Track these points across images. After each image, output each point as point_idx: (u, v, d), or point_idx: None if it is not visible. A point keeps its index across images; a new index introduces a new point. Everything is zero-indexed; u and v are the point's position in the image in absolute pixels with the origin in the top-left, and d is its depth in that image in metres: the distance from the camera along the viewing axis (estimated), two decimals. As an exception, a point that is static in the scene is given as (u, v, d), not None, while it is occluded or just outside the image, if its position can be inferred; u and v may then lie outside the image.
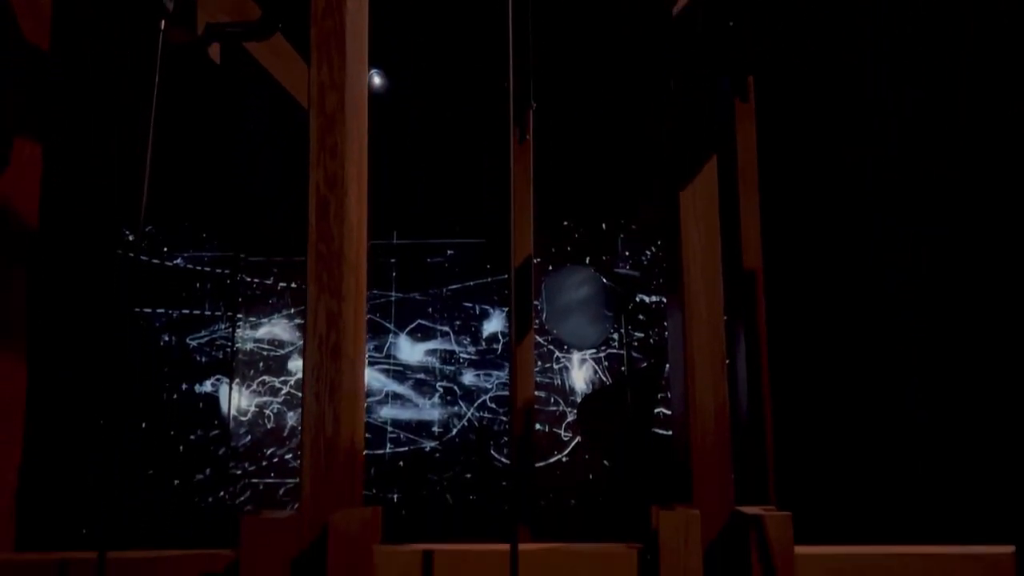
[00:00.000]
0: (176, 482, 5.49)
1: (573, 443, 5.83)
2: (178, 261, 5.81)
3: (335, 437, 1.68)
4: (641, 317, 5.82)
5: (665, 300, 5.81)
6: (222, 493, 5.54)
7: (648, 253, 5.87)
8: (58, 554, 1.62)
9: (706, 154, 1.76)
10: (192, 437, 5.63)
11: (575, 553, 1.65)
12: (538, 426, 5.91)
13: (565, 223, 5.94)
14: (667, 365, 5.72)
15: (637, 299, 5.85)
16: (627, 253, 5.89)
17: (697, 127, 1.78)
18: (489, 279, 5.94)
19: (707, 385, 1.60)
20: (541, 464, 5.80)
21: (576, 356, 5.88)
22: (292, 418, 5.71)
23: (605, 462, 5.77)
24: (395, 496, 5.65)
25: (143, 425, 5.56)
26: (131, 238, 5.38)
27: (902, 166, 4.67)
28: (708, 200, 1.72)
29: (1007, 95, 4.08)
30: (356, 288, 1.78)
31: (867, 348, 4.80)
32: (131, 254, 5.40)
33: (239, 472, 5.59)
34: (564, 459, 5.83)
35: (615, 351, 5.84)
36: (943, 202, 4.40)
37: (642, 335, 5.81)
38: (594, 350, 5.85)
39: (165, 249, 5.80)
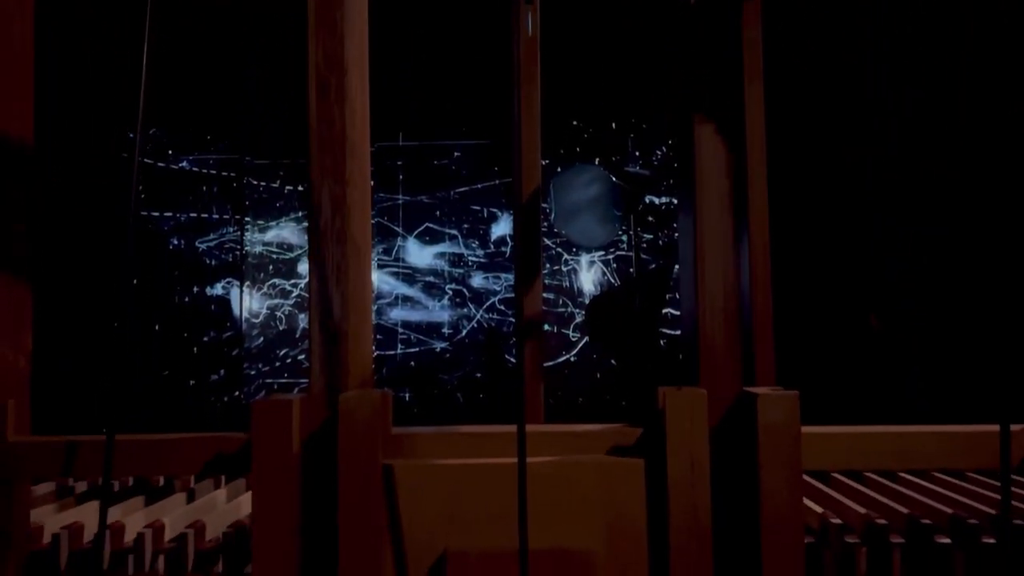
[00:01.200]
0: (191, 383, 5.60)
1: (581, 343, 5.89)
2: (183, 164, 5.75)
3: (343, 321, 1.68)
4: (650, 219, 5.78)
5: (675, 202, 5.75)
6: (237, 393, 5.65)
7: (659, 153, 5.77)
8: (68, 437, 1.65)
9: (720, 50, 1.69)
10: (205, 339, 5.71)
11: (581, 434, 1.68)
12: (546, 327, 5.95)
13: (574, 123, 5.82)
14: (676, 266, 5.71)
15: (647, 200, 5.79)
16: (637, 153, 5.79)
17: (711, 21, 1.70)
18: (497, 181, 5.88)
19: (717, 265, 1.59)
20: (549, 364, 5.86)
21: (584, 258, 5.86)
22: (303, 320, 5.76)
23: (613, 361, 5.83)
24: (406, 395, 5.75)
25: (156, 328, 5.63)
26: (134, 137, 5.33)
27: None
28: (723, 95, 1.66)
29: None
30: (360, 173, 1.75)
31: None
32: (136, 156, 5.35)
33: (253, 372, 5.69)
34: (572, 359, 5.89)
35: (624, 253, 5.82)
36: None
37: (651, 236, 5.78)
38: (602, 252, 5.83)
39: (170, 152, 5.74)
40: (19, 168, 1.83)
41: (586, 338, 5.88)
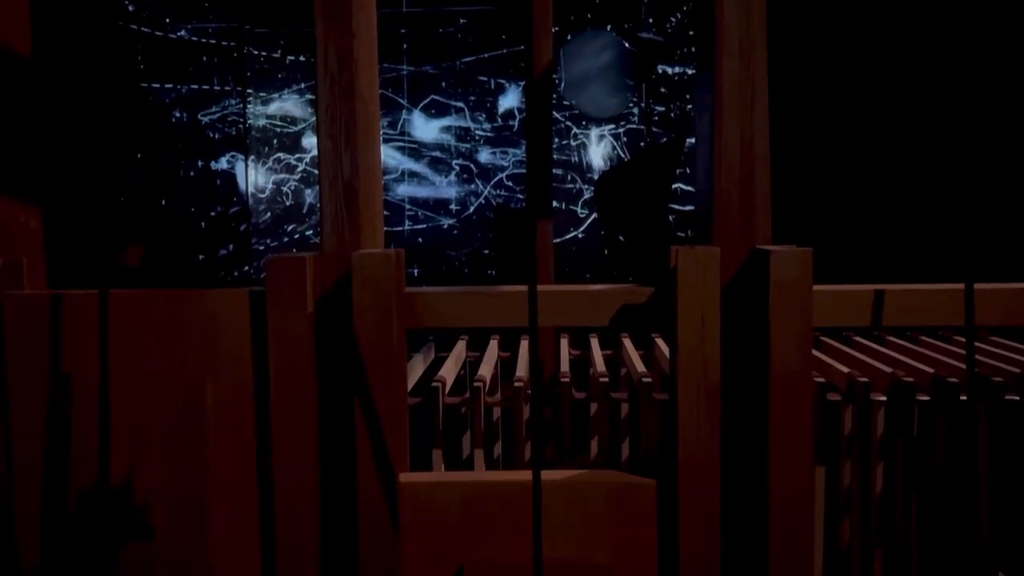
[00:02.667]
0: (200, 257, 5.63)
1: (589, 220, 5.86)
2: (182, 33, 5.58)
3: (353, 179, 1.66)
4: (663, 89, 5.63)
5: (688, 72, 5.59)
6: (246, 267, 5.69)
7: (673, 20, 5.56)
8: (59, 291, 1.66)
9: None
10: (212, 214, 5.70)
11: (591, 293, 1.69)
12: (555, 203, 5.91)
13: (585, -12, 5.58)
14: (688, 140, 5.61)
15: (659, 70, 5.62)
16: (651, 20, 5.58)
17: None
18: (504, 50, 5.69)
19: (735, 118, 1.55)
20: (557, 241, 5.86)
21: (594, 132, 5.76)
22: (310, 195, 5.73)
23: (621, 238, 5.82)
24: (415, 271, 5.79)
25: (163, 202, 5.62)
26: (131, 8, 5.14)
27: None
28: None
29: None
30: (367, 26, 1.69)
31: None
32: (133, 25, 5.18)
33: (261, 248, 5.71)
34: (580, 236, 5.89)
35: (635, 126, 5.70)
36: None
37: (663, 109, 5.65)
38: (613, 125, 5.72)
39: (167, 20, 5.55)
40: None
41: (594, 214, 5.85)
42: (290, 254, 1.64)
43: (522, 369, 2.31)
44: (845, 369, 2.05)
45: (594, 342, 2.65)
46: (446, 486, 1.61)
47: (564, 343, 2.64)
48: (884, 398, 1.95)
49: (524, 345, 2.57)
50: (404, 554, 1.60)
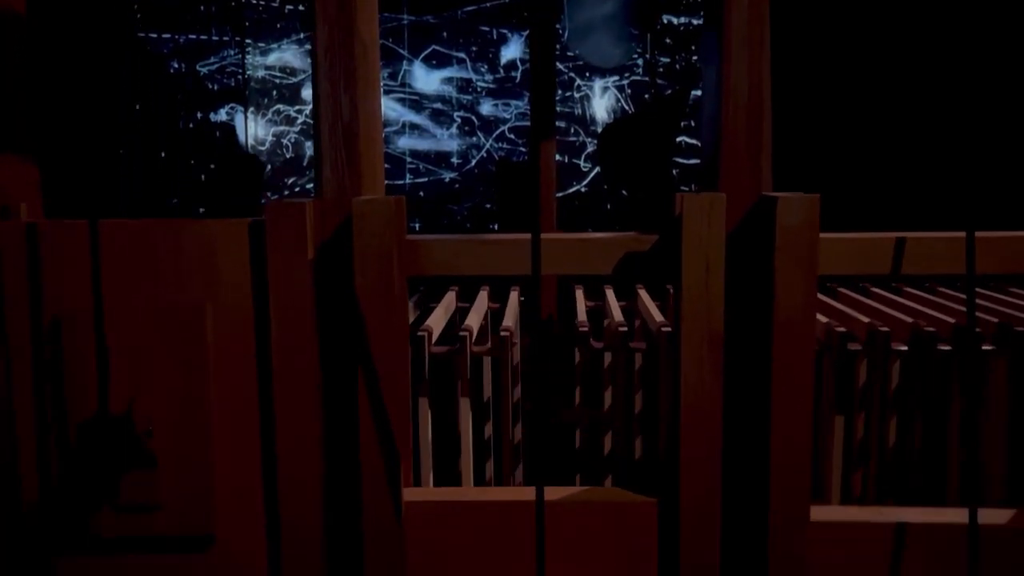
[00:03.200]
0: (201, 211, 5.60)
1: (592, 173, 5.81)
2: (177, -19, 5.47)
3: (352, 123, 1.63)
4: (668, 40, 5.53)
5: (694, 22, 5.49)
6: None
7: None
8: (56, 220, 1.64)
9: None
10: (212, 166, 5.65)
11: (595, 240, 1.66)
12: (557, 157, 5.85)
13: (590, -65, 5.45)
14: (692, 92, 5.53)
15: (664, 20, 5.52)
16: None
17: None
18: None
19: (743, 59, 1.51)
20: (560, 195, 5.81)
21: (598, 84, 5.67)
22: (310, 148, 5.67)
23: (624, 192, 5.77)
24: (416, 225, 5.76)
25: (162, 154, 5.56)
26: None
27: None
28: None
29: None
30: (366, -35, 1.64)
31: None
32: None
33: (262, 202, 5.67)
34: (583, 190, 5.84)
35: (639, 78, 5.62)
36: None
37: (668, 60, 5.56)
38: (617, 76, 5.63)
39: (162, -33, 5.44)
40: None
41: (597, 168, 5.80)
42: (289, 199, 1.62)
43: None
44: (865, 319, 2.04)
45: (609, 293, 2.64)
46: (449, 505, 1.65)
47: (580, 293, 2.64)
48: (905, 348, 1.94)
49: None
50: (409, 570, 1.63)
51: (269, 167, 5.69)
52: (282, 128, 5.68)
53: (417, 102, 5.74)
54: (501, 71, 5.72)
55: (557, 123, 5.89)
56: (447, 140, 5.80)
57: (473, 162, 5.84)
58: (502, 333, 2.13)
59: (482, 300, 2.59)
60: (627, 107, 5.67)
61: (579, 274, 1.74)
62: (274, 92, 5.65)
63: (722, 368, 1.59)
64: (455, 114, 5.77)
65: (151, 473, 1.60)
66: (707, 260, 1.55)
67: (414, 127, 5.79)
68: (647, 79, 5.60)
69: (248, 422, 1.65)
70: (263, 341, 1.62)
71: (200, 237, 1.62)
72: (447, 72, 5.72)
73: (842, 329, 2.00)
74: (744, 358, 1.63)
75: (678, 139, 5.64)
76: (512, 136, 5.83)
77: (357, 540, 1.62)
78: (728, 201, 1.56)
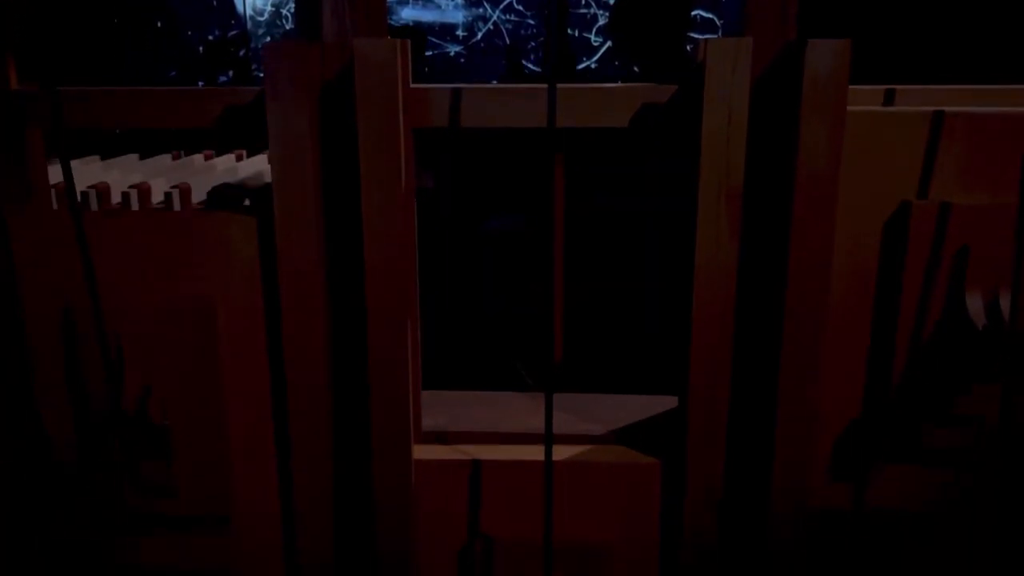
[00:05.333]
0: (200, 84, 5.44)
1: (603, 49, 5.60)
2: None
3: (354, -43, 1.52)
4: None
5: None
6: (247, 94, 5.50)
7: None
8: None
9: None
10: (211, 38, 5.45)
11: (612, 91, 1.58)
12: (568, 31, 5.61)
13: None
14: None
15: None
16: None
17: None
18: None
19: None
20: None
21: (612, -49, 5.38)
22: (310, 18, 5.45)
23: (636, 69, 5.57)
24: (421, 101, 5.59)
25: (158, 24, 5.36)
26: None
27: None
28: None
29: None
30: None
31: None
32: None
33: (261, 74, 5.49)
34: (593, 66, 5.65)
35: (655, -55, 5.32)
36: None
37: (686, -75, 5.25)
38: (632, -57, 5.33)
39: None
40: None
41: (609, 43, 5.58)
42: (288, 40, 1.53)
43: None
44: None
45: None
46: (457, 464, 1.65)
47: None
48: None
49: None
50: (417, 527, 1.65)
51: (268, 39, 5.49)
52: (281, -4, 5.45)
53: (421, -30, 5.49)
54: (510, -64, 5.43)
55: (568, -6, 5.61)
56: (452, 11, 5.57)
57: (479, 35, 5.63)
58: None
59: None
60: (642, -23, 5.40)
61: (594, 127, 1.66)
62: (271, -43, 5.39)
63: (739, 226, 1.54)
64: (461, -17, 5.53)
65: (165, 461, 1.60)
66: (730, 110, 1.47)
67: (418, -3, 5.55)
68: (664, -54, 5.30)
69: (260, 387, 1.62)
70: (275, 332, 1.56)
71: (211, 228, 1.55)
72: (453, -63, 5.43)
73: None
74: (762, 215, 1.57)
75: (693, 13, 5.40)
76: (520, 8, 5.59)
77: (368, 520, 1.64)
78: (754, 47, 1.46)
